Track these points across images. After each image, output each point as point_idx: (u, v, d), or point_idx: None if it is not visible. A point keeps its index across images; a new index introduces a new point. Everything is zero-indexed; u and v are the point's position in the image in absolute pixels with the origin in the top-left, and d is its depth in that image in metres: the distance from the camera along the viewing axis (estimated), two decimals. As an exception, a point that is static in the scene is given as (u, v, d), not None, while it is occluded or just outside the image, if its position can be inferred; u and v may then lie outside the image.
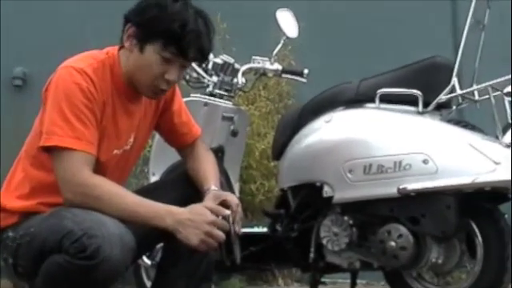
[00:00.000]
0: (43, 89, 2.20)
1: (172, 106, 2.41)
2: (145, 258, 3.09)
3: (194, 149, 2.46)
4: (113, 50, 2.27)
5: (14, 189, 2.22)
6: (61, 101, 2.11)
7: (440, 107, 2.77)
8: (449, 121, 2.77)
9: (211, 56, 3.13)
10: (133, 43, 2.20)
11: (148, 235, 2.24)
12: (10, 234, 2.18)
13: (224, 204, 2.19)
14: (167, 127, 2.45)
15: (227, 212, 2.14)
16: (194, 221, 2.11)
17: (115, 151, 2.25)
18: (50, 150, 2.12)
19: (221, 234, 2.13)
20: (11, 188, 2.23)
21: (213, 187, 2.28)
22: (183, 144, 2.48)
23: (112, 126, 2.21)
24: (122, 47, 2.25)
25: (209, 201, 2.20)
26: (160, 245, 2.58)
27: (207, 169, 2.39)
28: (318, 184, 2.79)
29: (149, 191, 2.36)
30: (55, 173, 2.12)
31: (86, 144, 2.11)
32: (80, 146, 2.10)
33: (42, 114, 2.21)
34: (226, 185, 2.90)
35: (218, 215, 2.13)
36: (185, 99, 2.97)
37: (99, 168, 2.16)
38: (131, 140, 2.29)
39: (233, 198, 2.24)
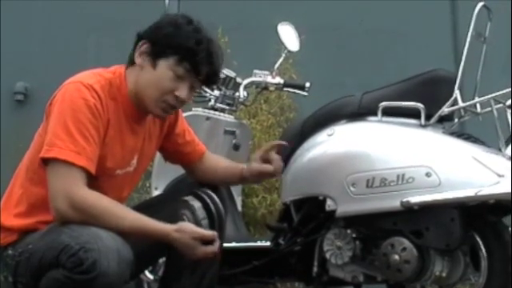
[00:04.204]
0: (47, 103, 2.20)
1: (175, 129, 2.43)
2: (147, 273, 3.08)
3: (204, 163, 2.50)
4: (120, 69, 2.28)
5: (13, 206, 2.21)
6: (66, 115, 2.11)
7: (442, 120, 2.77)
8: (451, 133, 2.76)
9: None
10: (145, 59, 2.22)
11: (150, 249, 2.25)
12: (10, 251, 2.18)
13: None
14: (171, 149, 2.47)
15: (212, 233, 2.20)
16: (185, 244, 2.15)
17: (117, 171, 2.24)
18: (47, 162, 2.12)
19: (212, 250, 2.17)
20: (10, 205, 2.22)
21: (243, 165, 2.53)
22: (188, 162, 2.51)
23: (117, 145, 2.21)
24: (128, 66, 2.26)
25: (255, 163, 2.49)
26: (163, 259, 2.58)
27: (226, 162, 2.58)
28: (320, 197, 2.79)
29: (147, 207, 2.37)
30: (48, 184, 2.10)
31: (86, 160, 2.10)
32: (79, 161, 2.09)
33: (42, 128, 2.20)
34: (229, 198, 2.91)
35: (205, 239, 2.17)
36: (186, 113, 2.99)
37: (99, 186, 2.15)
38: (134, 162, 2.29)
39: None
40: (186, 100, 2.26)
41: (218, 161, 2.58)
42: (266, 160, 2.49)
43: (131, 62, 2.26)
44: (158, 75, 2.21)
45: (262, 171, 2.49)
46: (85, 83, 2.15)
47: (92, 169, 2.12)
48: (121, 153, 2.24)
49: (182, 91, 2.23)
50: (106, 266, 1.98)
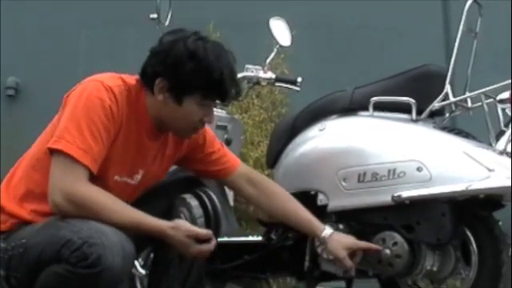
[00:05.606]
0: (65, 94, 2.20)
1: (204, 150, 2.43)
2: (139, 268, 3.08)
3: (254, 181, 2.50)
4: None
5: (12, 187, 2.23)
6: (80, 111, 2.11)
7: (433, 115, 2.78)
8: (442, 128, 2.77)
9: None
10: (167, 96, 2.20)
11: (135, 239, 2.24)
12: (1, 244, 2.17)
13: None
14: (203, 169, 2.46)
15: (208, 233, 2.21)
16: (180, 241, 2.16)
17: (116, 177, 2.23)
18: (53, 153, 2.12)
19: (207, 249, 2.18)
20: (10, 187, 2.23)
21: (328, 230, 2.53)
22: (222, 176, 2.50)
23: (120, 150, 2.21)
24: (142, 78, 2.23)
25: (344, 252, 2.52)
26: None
27: (298, 208, 2.53)
28: (312, 192, 2.79)
29: (141, 197, 2.37)
30: (50, 175, 2.11)
31: (91, 160, 2.11)
32: (84, 160, 2.09)
33: (56, 118, 2.21)
34: (221, 194, 2.92)
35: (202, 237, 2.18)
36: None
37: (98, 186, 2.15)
38: (138, 177, 2.28)
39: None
40: (211, 121, 2.29)
41: (279, 194, 2.56)
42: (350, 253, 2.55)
43: (145, 82, 2.22)
44: (186, 111, 2.20)
45: (340, 260, 2.55)
46: (105, 84, 2.15)
47: (94, 169, 2.12)
48: (124, 160, 2.23)
49: (209, 115, 2.25)
50: (111, 261, 1.99)
